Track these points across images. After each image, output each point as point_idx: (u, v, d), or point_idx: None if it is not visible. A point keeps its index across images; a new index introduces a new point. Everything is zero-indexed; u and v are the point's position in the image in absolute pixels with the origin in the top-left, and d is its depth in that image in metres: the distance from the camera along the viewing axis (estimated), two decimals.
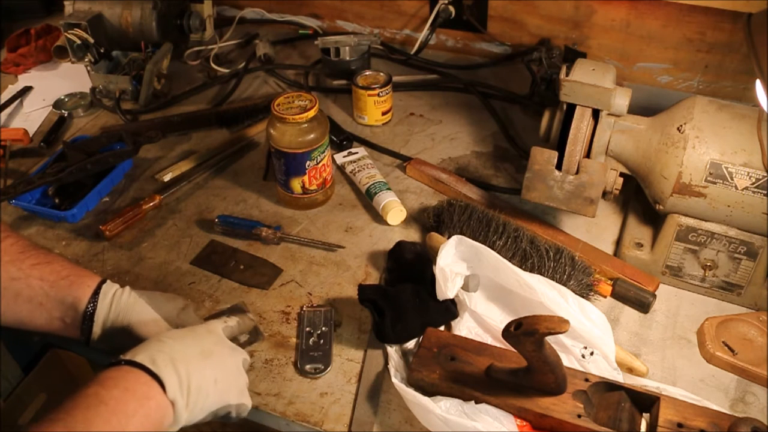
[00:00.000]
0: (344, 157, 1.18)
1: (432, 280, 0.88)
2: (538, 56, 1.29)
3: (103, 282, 0.76)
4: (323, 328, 0.89)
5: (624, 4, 1.26)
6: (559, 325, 0.67)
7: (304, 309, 0.92)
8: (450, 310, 0.86)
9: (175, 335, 0.69)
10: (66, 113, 1.33)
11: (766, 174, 0.83)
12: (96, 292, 0.75)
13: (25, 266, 0.74)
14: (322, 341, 0.87)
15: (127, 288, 0.78)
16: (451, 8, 1.40)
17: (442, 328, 0.87)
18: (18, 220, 1.09)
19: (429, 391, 0.77)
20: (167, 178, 1.16)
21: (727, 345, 0.84)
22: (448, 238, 0.90)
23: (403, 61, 1.47)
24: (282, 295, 0.95)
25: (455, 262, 0.89)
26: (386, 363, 0.84)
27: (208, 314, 0.90)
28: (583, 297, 0.88)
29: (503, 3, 1.37)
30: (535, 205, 0.98)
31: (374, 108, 1.26)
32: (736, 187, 0.85)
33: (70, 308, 0.74)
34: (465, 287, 0.88)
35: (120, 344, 0.75)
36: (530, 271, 0.89)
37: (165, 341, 0.67)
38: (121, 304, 0.75)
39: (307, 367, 0.84)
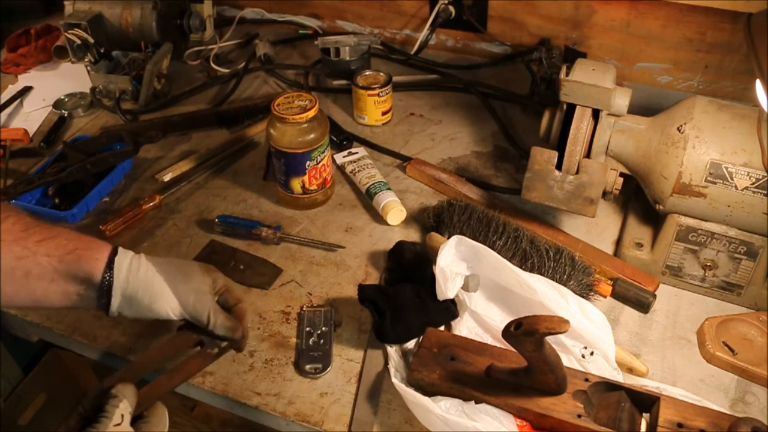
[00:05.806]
0: (344, 157, 1.18)
1: (432, 280, 0.87)
2: (538, 56, 1.29)
3: (114, 253, 0.74)
4: (323, 328, 0.89)
5: (624, 4, 1.26)
6: (559, 325, 0.67)
7: (304, 309, 0.92)
8: (450, 310, 0.86)
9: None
10: (66, 113, 1.33)
11: (766, 174, 0.83)
12: (110, 264, 0.73)
13: (30, 244, 0.71)
14: (322, 341, 0.87)
15: (142, 257, 0.75)
16: (451, 8, 1.40)
17: (442, 328, 0.87)
18: None
19: (429, 391, 0.77)
20: (167, 178, 1.16)
21: (727, 345, 0.84)
22: (448, 238, 0.90)
23: (403, 61, 1.47)
24: (282, 295, 0.95)
25: (455, 262, 0.89)
26: (386, 363, 0.84)
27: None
28: (583, 297, 0.88)
29: (503, 3, 1.37)
30: (535, 205, 0.98)
31: (374, 108, 1.26)
32: (736, 187, 0.85)
33: (83, 283, 0.72)
34: (465, 287, 0.87)
35: (140, 311, 0.75)
36: (530, 271, 0.88)
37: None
38: (138, 279, 0.74)
39: (307, 367, 0.84)
